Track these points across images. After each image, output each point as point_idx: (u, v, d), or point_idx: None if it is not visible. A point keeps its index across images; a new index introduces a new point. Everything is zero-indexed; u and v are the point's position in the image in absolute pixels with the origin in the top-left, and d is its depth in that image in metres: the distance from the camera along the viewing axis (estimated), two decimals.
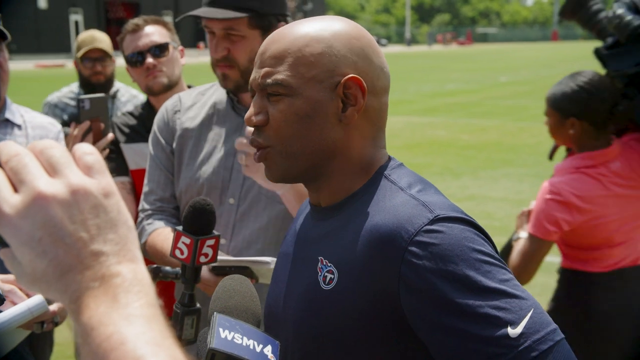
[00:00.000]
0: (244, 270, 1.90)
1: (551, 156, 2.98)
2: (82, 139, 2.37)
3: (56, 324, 1.85)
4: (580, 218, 2.59)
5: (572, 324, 2.55)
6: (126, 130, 2.92)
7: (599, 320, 2.65)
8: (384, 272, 1.18)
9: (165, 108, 2.36)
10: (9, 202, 0.66)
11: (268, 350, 1.19)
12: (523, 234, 2.78)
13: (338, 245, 1.27)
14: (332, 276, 1.26)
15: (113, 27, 40.80)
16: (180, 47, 2.99)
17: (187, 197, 2.22)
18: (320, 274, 1.28)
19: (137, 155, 2.85)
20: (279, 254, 1.49)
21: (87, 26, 46.13)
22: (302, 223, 1.44)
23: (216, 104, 2.29)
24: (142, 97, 3.74)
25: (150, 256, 2.22)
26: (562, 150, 2.95)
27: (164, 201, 2.29)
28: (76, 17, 47.44)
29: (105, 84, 3.85)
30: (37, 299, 1.67)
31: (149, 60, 2.85)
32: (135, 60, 2.88)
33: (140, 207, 2.34)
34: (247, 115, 1.32)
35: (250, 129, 1.36)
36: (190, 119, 2.28)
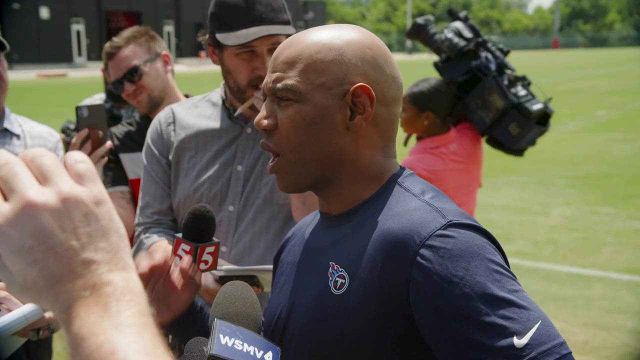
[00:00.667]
0: (251, 279, 1.89)
1: (406, 143, 3.75)
2: (81, 146, 2.36)
3: (52, 331, 1.84)
4: None
5: None
6: (125, 140, 2.91)
7: None
8: (395, 275, 1.18)
9: (158, 121, 2.34)
10: None
11: (269, 356, 1.18)
12: None
13: (349, 250, 1.27)
14: (343, 281, 1.25)
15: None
16: (164, 52, 2.94)
17: (186, 208, 2.21)
18: (331, 279, 1.28)
19: (136, 164, 2.85)
20: (286, 264, 1.47)
21: (89, 36, 46.34)
22: (310, 232, 1.43)
23: (212, 114, 2.28)
24: None
25: None
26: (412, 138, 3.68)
27: (161, 214, 2.28)
28: (78, 27, 47.55)
29: None
30: (32, 305, 1.66)
31: (126, 87, 2.86)
32: (117, 88, 2.90)
33: (136, 222, 2.32)
34: (257, 118, 1.33)
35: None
36: (186, 130, 2.27)
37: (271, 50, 2.09)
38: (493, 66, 3.64)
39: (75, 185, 0.68)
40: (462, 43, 3.57)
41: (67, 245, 0.65)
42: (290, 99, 1.29)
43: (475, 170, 3.69)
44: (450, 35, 3.62)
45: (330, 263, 1.29)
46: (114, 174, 2.83)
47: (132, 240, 2.37)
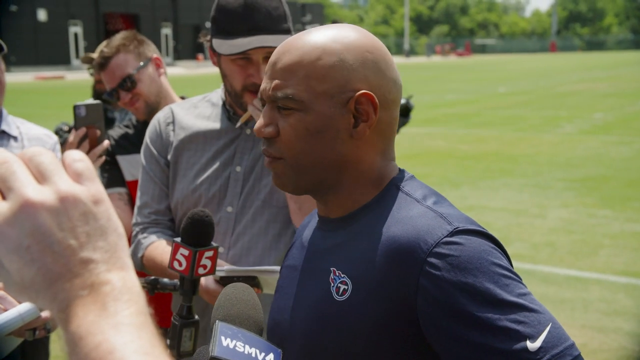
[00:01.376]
0: (251, 280, 1.88)
1: None
2: (78, 145, 2.36)
3: (48, 331, 1.84)
4: None
5: None
6: (121, 142, 2.91)
7: None
8: (401, 283, 1.17)
9: (157, 120, 2.34)
10: None
11: (270, 358, 1.18)
12: None
13: (351, 256, 1.26)
14: (346, 287, 1.24)
15: None
16: (155, 56, 2.92)
17: (184, 208, 2.21)
18: (332, 285, 1.26)
19: (133, 166, 2.85)
20: (285, 267, 1.46)
21: (87, 38, 46.32)
22: (309, 236, 1.42)
23: (211, 115, 2.27)
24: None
25: (149, 270, 2.19)
26: None
27: (159, 214, 2.27)
28: (75, 29, 47.54)
29: None
30: (29, 304, 1.65)
31: (122, 95, 2.85)
32: (112, 97, 2.89)
33: (134, 221, 2.31)
34: (257, 126, 1.30)
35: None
36: (185, 130, 2.27)
37: (267, 59, 2.08)
38: None
39: (74, 184, 0.67)
40: None
41: (65, 244, 0.65)
42: (292, 108, 1.26)
43: None
44: None
45: (332, 269, 1.28)
46: (110, 175, 2.83)
47: (130, 241, 2.37)
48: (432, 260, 1.14)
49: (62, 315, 0.65)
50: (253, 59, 2.09)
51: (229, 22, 2.09)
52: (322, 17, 67.12)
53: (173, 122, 2.30)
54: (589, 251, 6.89)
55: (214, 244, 1.59)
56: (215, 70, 2.25)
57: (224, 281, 1.93)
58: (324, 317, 1.26)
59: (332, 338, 1.24)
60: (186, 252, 1.55)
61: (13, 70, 38.72)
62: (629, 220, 8.03)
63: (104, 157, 2.48)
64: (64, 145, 2.55)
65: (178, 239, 1.57)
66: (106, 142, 2.44)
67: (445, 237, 1.16)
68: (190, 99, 2.42)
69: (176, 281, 1.85)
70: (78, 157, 0.70)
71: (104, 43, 3.04)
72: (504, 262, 1.17)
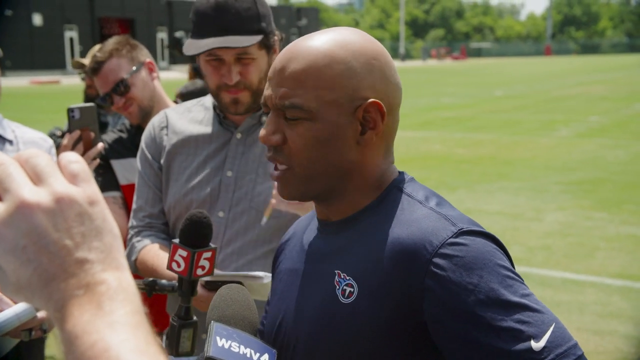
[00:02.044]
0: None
1: None
2: (73, 148, 2.36)
3: (44, 332, 1.84)
4: None
5: None
6: (115, 146, 2.92)
7: None
8: (407, 284, 1.18)
9: (152, 125, 2.36)
10: None
11: (265, 358, 1.19)
12: None
13: (356, 259, 1.26)
14: (352, 290, 1.25)
15: None
16: (148, 60, 2.92)
17: (176, 213, 2.23)
18: (338, 287, 1.27)
19: (127, 170, 2.86)
20: (284, 270, 1.46)
21: (82, 43, 46.26)
22: (308, 238, 1.41)
23: (204, 120, 2.28)
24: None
25: (141, 273, 2.21)
26: None
27: (153, 217, 2.29)
28: (71, 33, 47.51)
29: None
30: (25, 304, 1.65)
31: (116, 100, 2.85)
32: (105, 102, 2.89)
33: (129, 224, 2.34)
34: (263, 133, 1.29)
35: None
36: (178, 134, 2.28)
37: (240, 60, 2.10)
38: None
39: (69, 186, 0.68)
40: None
41: (61, 245, 0.65)
42: (300, 117, 1.25)
43: None
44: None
45: (336, 271, 1.28)
46: (104, 179, 2.84)
47: (125, 244, 2.38)
48: (438, 261, 1.16)
49: (58, 314, 0.65)
50: (225, 60, 2.11)
51: (200, 22, 2.12)
52: (317, 21, 67.19)
53: (167, 127, 2.31)
54: (585, 254, 6.91)
55: (212, 245, 1.59)
56: None
57: (209, 285, 1.93)
58: (330, 320, 1.26)
59: (339, 340, 1.24)
60: (184, 253, 1.55)
61: (8, 74, 38.67)
62: (625, 223, 8.05)
63: (98, 160, 2.48)
64: (59, 148, 2.55)
65: (176, 240, 1.57)
66: (100, 145, 2.44)
67: (450, 238, 1.17)
68: (185, 102, 2.43)
69: (174, 282, 1.85)
70: (74, 159, 0.70)
71: (97, 47, 3.04)
72: (507, 263, 1.18)
